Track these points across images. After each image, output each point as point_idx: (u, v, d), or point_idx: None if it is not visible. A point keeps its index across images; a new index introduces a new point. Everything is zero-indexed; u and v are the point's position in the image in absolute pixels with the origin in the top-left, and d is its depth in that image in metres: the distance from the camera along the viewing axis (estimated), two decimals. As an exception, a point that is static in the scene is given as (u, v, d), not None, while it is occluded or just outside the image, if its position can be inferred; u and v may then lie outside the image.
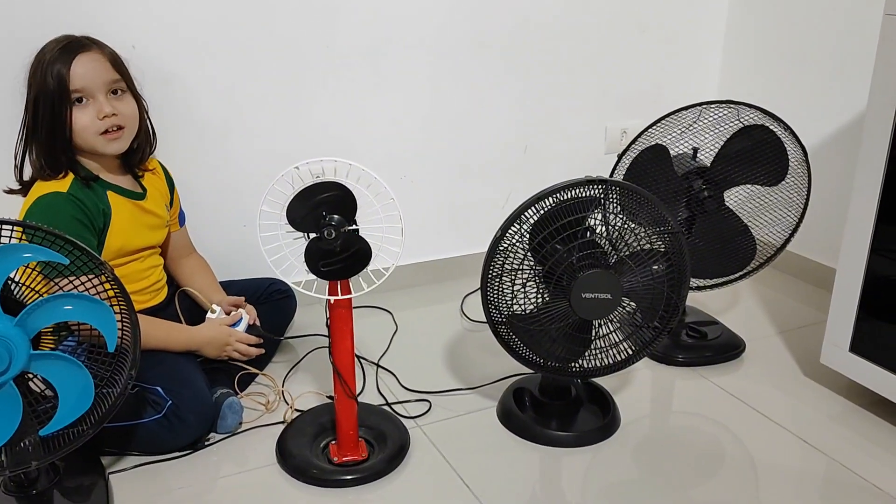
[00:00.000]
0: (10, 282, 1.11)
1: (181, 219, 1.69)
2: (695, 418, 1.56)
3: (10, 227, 1.05)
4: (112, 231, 1.44)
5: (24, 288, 1.14)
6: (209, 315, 1.59)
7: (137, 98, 1.47)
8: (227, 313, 1.62)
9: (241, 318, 1.61)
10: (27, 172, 1.43)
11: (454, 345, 1.87)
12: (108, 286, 1.11)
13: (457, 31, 2.03)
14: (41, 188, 1.37)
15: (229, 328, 1.56)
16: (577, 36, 2.19)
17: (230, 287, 1.74)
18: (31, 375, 1.11)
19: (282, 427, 1.49)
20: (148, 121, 1.53)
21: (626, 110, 2.32)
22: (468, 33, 2.05)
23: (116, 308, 1.12)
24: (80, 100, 1.37)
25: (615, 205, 1.31)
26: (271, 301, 1.78)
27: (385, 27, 1.95)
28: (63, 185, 1.38)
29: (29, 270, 1.12)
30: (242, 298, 1.68)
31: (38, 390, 1.16)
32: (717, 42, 2.40)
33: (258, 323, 1.65)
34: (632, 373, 1.70)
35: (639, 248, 1.32)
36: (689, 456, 1.43)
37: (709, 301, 2.04)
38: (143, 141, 1.52)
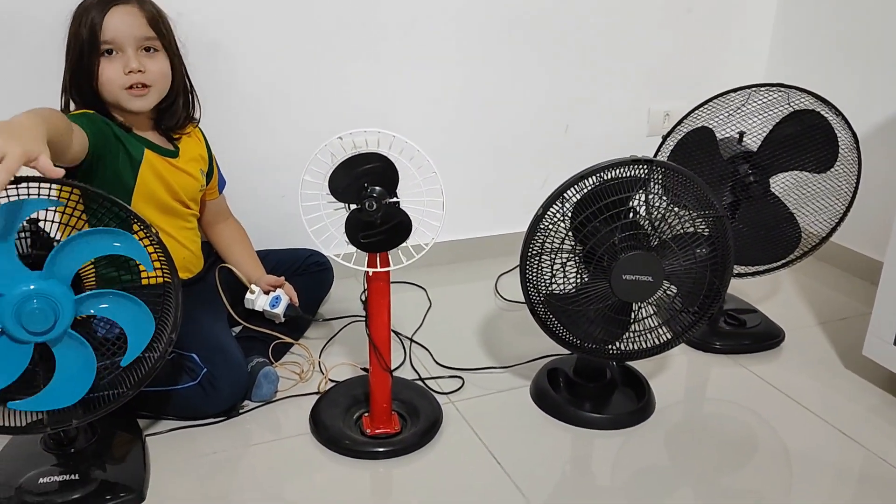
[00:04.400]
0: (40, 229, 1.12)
1: (220, 185, 1.70)
2: (730, 406, 1.54)
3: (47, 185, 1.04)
4: (140, 180, 1.41)
5: (62, 227, 1.13)
6: (248, 295, 1.59)
7: (174, 61, 1.44)
8: (266, 292, 1.62)
9: (280, 298, 1.61)
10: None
11: (487, 323, 1.86)
12: (150, 249, 1.12)
13: (498, 5, 2.00)
14: None
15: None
16: (622, 13, 2.15)
17: (268, 257, 1.74)
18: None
19: (315, 397, 1.50)
20: (188, 86, 1.52)
21: (669, 92, 2.28)
22: (509, 8, 2.02)
23: (157, 264, 1.13)
24: (109, 52, 1.35)
25: (660, 186, 1.29)
26: (309, 273, 1.79)
27: (425, 1, 1.93)
28: None
29: (69, 210, 1.10)
30: (282, 279, 1.66)
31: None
32: (767, 24, 2.34)
33: (297, 303, 1.64)
34: (667, 358, 1.68)
35: (682, 230, 1.29)
36: (723, 444, 1.41)
37: (748, 289, 2.00)
38: (180, 105, 1.49)
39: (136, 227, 1.11)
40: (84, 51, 1.33)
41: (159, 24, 1.40)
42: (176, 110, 1.49)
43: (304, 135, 1.92)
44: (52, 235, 1.13)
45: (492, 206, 2.21)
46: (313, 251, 1.83)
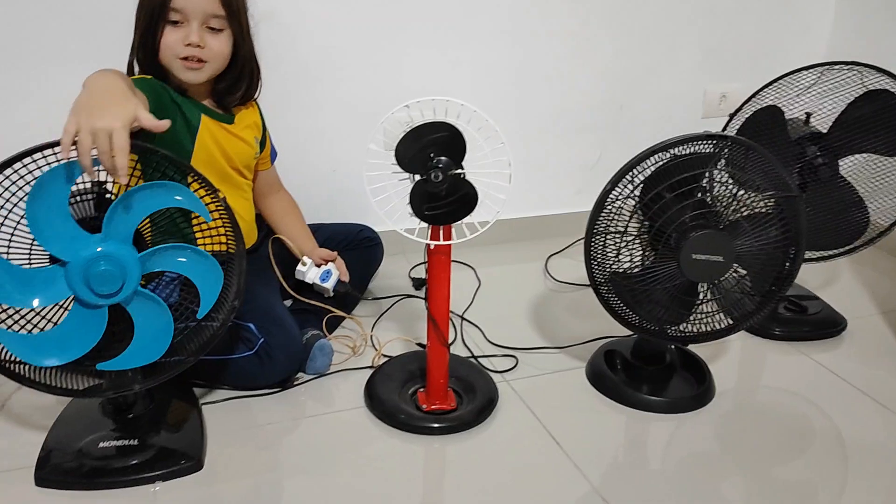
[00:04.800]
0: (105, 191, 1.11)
1: (272, 156, 1.68)
2: (788, 394, 1.50)
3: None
4: (198, 144, 1.40)
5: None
6: (299, 267, 1.58)
7: (239, 42, 1.42)
8: (318, 265, 1.61)
9: (331, 273, 1.59)
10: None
11: (538, 304, 1.83)
12: (216, 214, 1.10)
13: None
14: None
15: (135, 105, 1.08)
16: (681, -8, 2.09)
17: (319, 231, 1.73)
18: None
19: (368, 372, 1.49)
20: (254, 68, 1.50)
21: (726, 73, 2.22)
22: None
23: (222, 230, 1.12)
24: (176, 22, 1.34)
25: (733, 164, 1.25)
26: (360, 248, 1.77)
27: (485, -26, 1.90)
28: None
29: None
30: (335, 253, 1.65)
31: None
32: (829, 2, 2.26)
33: (347, 279, 1.63)
34: (725, 343, 1.64)
35: (756, 210, 1.25)
36: (779, 432, 1.37)
37: (807, 275, 1.95)
38: (242, 87, 1.48)
39: (202, 192, 1.10)
40: (153, 14, 1.32)
41: (232, 3, 1.37)
42: (236, 91, 1.47)
43: (356, 108, 1.90)
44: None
45: (543, 185, 2.18)
46: (364, 226, 1.81)
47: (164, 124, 1.04)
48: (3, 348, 1.10)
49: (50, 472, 1.17)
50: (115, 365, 1.11)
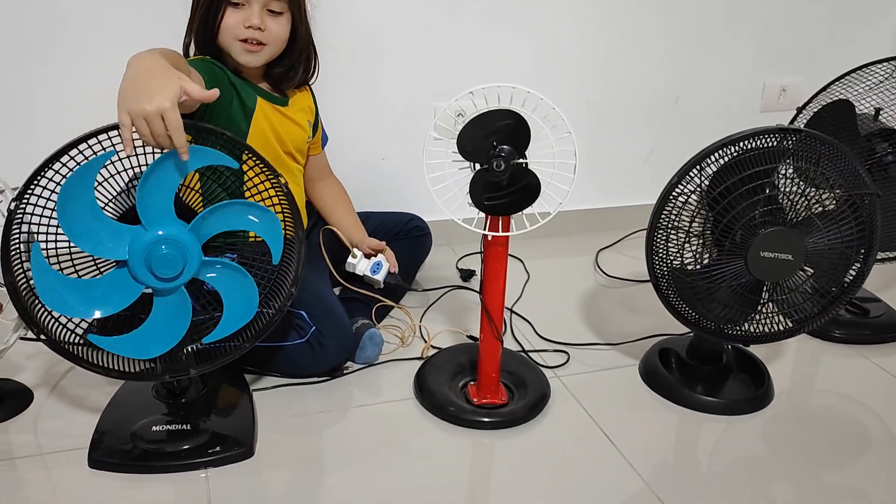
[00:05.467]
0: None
1: (323, 141, 1.67)
2: (846, 398, 1.45)
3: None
4: (253, 127, 1.39)
5: (186, 191, 1.13)
6: (350, 259, 1.56)
7: (297, 27, 1.41)
8: (368, 256, 1.59)
9: (381, 265, 1.57)
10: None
11: (589, 299, 1.80)
12: (276, 200, 1.09)
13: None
14: None
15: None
16: (743, -19, 2.03)
17: (368, 220, 1.71)
18: (201, 283, 1.11)
19: (417, 363, 1.47)
20: (312, 54, 1.49)
21: (787, 66, 2.16)
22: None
23: (281, 216, 1.10)
24: (237, 4, 1.33)
25: (806, 159, 1.20)
26: (409, 238, 1.75)
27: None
28: None
29: (190, 175, 1.10)
30: (384, 244, 1.62)
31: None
32: (897, -3, 2.19)
33: (397, 271, 1.61)
34: (782, 345, 1.59)
35: (829, 207, 1.21)
36: (834, 437, 1.33)
37: (870, 276, 1.87)
38: (298, 72, 1.47)
39: (262, 178, 1.08)
40: None
41: None
42: (293, 76, 1.46)
43: (407, 94, 1.87)
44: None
45: (594, 177, 2.13)
46: (413, 216, 1.79)
47: (213, 94, 1.03)
48: (55, 327, 1.10)
49: (103, 454, 1.17)
50: (110, 345, 1.09)
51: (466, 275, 1.86)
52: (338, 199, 1.67)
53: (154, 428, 1.20)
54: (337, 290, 1.60)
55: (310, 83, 1.54)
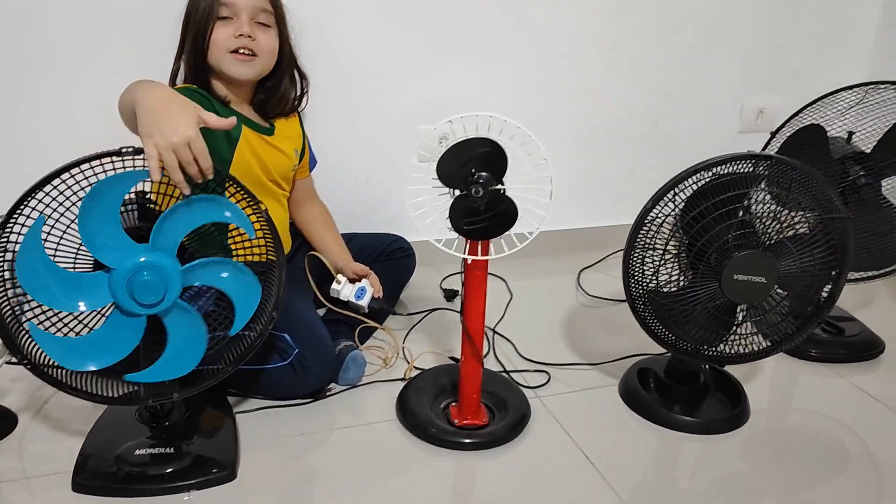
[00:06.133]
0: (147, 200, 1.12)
1: (311, 164, 1.69)
2: (823, 417, 1.47)
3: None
4: (237, 156, 1.41)
5: (160, 197, 1.13)
6: (334, 286, 1.56)
7: (283, 41, 1.46)
8: (352, 281, 1.60)
9: (365, 290, 1.58)
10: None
11: (570, 318, 1.82)
12: (257, 225, 1.11)
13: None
14: None
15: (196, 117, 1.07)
16: (720, 6, 2.07)
17: (353, 241, 1.73)
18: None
19: (400, 384, 1.48)
20: (300, 74, 1.52)
21: (765, 88, 2.20)
22: (608, -4, 1.97)
23: (262, 244, 1.12)
24: (225, 17, 1.37)
25: (778, 184, 1.23)
26: (393, 259, 1.77)
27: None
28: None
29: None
30: (367, 268, 1.63)
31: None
32: (872, 19, 2.23)
33: (381, 295, 1.62)
34: (759, 364, 1.62)
35: (796, 231, 1.23)
36: (812, 455, 1.35)
37: (846, 296, 1.90)
38: (288, 93, 1.50)
39: (243, 204, 1.10)
40: (203, 14, 1.36)
41: (277, 2, 1.43)
42: (284, 95, 1.49)
43: (391, 119, 1.90)
44: (159, 207, 1.13)
45: (575, 197, 2.17)
46: (397, 237, 1.81)
47: (231, 122, 1.08)
48: (42, 352, 1.11)
49: (87, 477, 1.18)
50: (146, 377, 1.11)
51: (450, 295, 1.88)
52: (322, 223, 1.69)
53: (137, 451, 1.21)
54: (322, 311, 1.62)
55: (299, 110, 1.57)
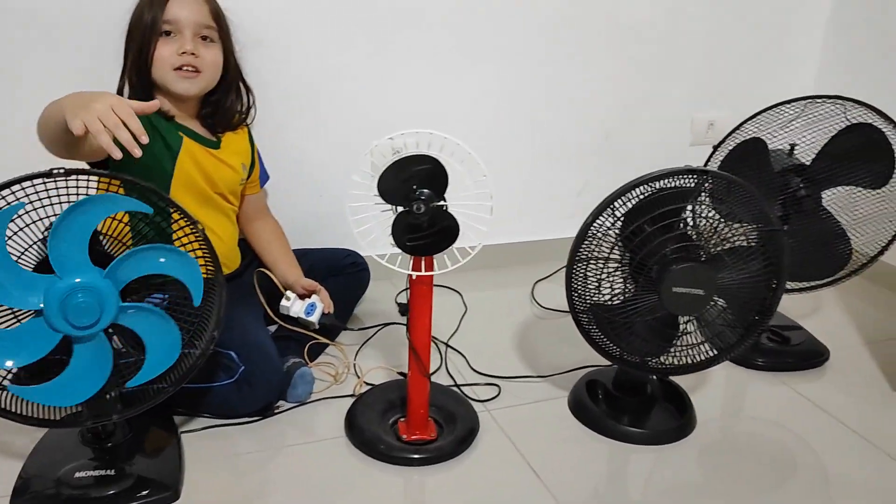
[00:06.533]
0: (97, 234, 1.11)
1: (262, 179, 1.68)
2: (770, 425, 1.50)
3: (96, 177, 1.03)
4: (178, 167, 1.41)
5: (110, 240, 1.14)
6: (283, 302, 1.56)
7: (228, 55, 1.46)
8: (302, 297, 1.59)
9: (315, 306, 1.58)
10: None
11: (524, 331, 1.83)
12: (196, 245, 1.10)
13: (547, 7, 1.98)
14: None
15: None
16: (668, 21, 2.11)
17: (306, 257, 1.72)
18: (111, 331, 1.11)
19: (349, 400, 1.48)
20: (245, 88, 1.52)
21: (714, 101, 2.24)
22: (559, 11, 1.99)
23: (202, 261, 1.11)
24: (168, 33, 1.37)
25: (714, 197, 1.25)
26: (346, 274, 1.77)
27: (467, 1, 1.91)
28: None
29: (115, 223, 1.11)
30: (318, 284, 1.62)
31: (118, 346, 1.16)
32: (817, 34, 2.29)
33: (332, 311, 1.61)
34: (708, 374, 1.64)
35: (737, 244, 1.26)
36: (761, 463, 1.37)
37: (791, 305, 1.95)
38: (230, 101, 1.50)
39: (181, 224, 1.10)
40: (145, 30, 1.36)
41: (220, 17, 1.44)
42: (230, 109, 1.50)
43: (342, 134, 1.90)
44: (100, 232, 1.12)
45: (528, 211, 2.18)
46: (350, 251, 1.81)
47: (154, 104, 1.08)
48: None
49: (27, 501, 1.16)
50: (30, 394, 1.08)
51: (404, 309, 1.87)
52: (273, 238, 1.69)
53: (78, 474, 1.19)
54: (273, 328, 1.61)
55: (247, 123, 1.57)
